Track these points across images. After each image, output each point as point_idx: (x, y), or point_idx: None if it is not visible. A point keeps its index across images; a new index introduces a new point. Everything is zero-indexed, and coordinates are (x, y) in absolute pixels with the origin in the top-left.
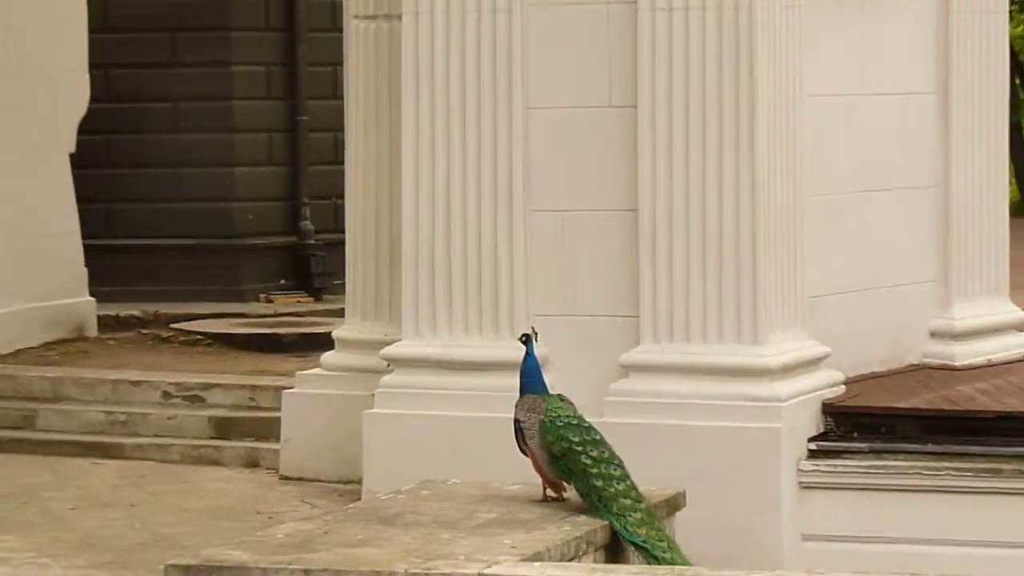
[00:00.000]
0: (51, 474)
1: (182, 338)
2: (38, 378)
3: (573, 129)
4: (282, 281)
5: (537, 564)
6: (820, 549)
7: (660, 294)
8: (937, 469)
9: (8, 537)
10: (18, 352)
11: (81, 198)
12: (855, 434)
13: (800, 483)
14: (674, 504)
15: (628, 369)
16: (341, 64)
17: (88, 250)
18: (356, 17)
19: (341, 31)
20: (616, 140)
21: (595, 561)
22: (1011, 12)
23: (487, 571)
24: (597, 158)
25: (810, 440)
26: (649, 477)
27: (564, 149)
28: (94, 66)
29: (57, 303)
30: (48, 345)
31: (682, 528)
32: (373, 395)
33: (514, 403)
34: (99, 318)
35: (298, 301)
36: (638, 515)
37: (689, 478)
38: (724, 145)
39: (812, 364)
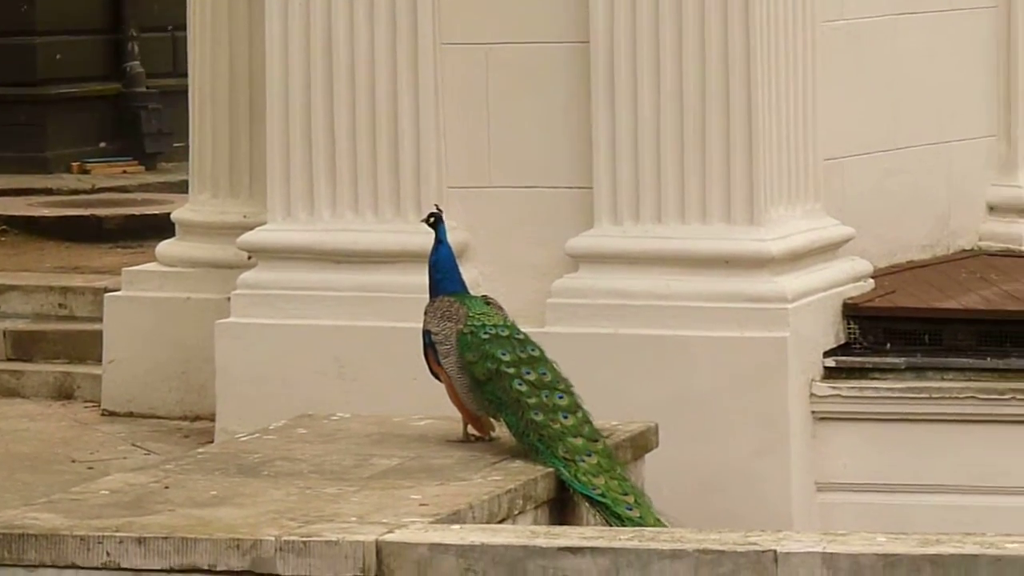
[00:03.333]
0: None
1: None
2: None
3: None
4: (102, 144)
5: (456, 527)
6: (840, 502)
7: (621, 157)
8: (998, 392)
9: None
10: None
11: None
12: (888, 345)
13: (813, 413)
14: (642, 444)
15: (578, 260)
16: None
17: None
18: None
19: None
20: None
21: (536, 521)
22: None
23: (388, 537)
24: None
25: (827, 354)
26: (610, 408)
27: None
28: None
29: None
30: None
31: (653, 476)
32: (228, 299)
33: (422, 308)
34: None
35: (124, 171)
36: (593, 459)
37: (664, 408)
38: None
39: (829, 250)
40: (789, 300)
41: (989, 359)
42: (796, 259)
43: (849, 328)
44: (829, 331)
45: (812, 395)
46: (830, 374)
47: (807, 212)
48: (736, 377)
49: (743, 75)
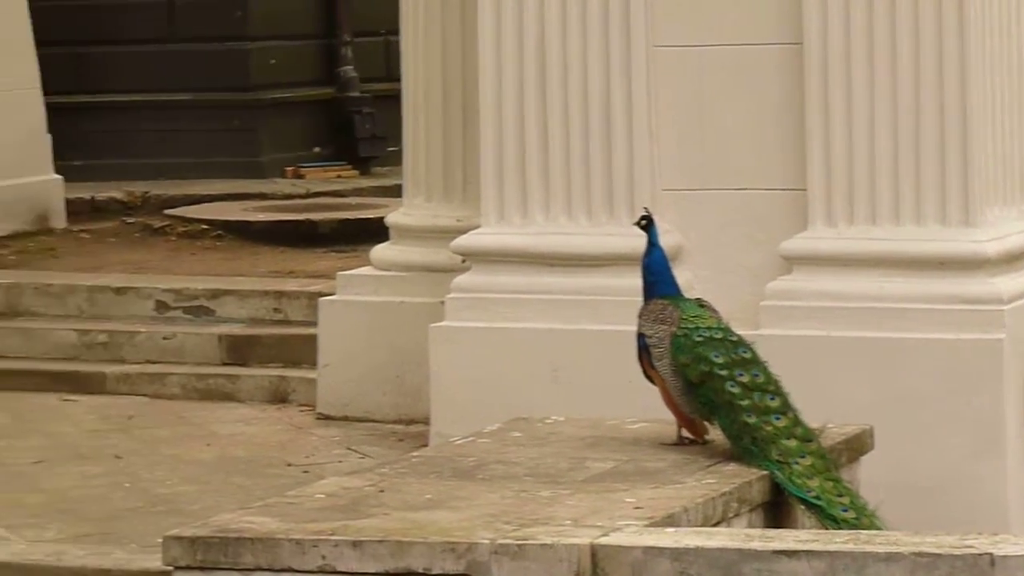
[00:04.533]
0: (6, 415)
1: (181, 228)
2: None
3: None
4: (316, 149)
5: (671, 530)
6: None
7: (835, 157)
8: None
9: None
10: None
11: (42, 39)
12: None
13: None
14: (857, 447)
15: (792, 262)
16: None
17: (52, 110)
18: None
19: None
20: None
21: (750, 524)
22: None
23: (603, 540)
24: None
25: None
26: (822, 410)
27: None
28: None
29: (9, 183)
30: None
31: (869, 478)
32: (443, 302)
33: (636, 311)
34: (68, 202)
35: (338, 175)
36: (807, 461)
37: (878, 411)
38: None
39: None
40: (1005, 301)
41: None
42: (1012, 260)
43: None
44: None
45: None
46: None
47: (1022, 212)
48: (951, 379)
49: (958, 75)
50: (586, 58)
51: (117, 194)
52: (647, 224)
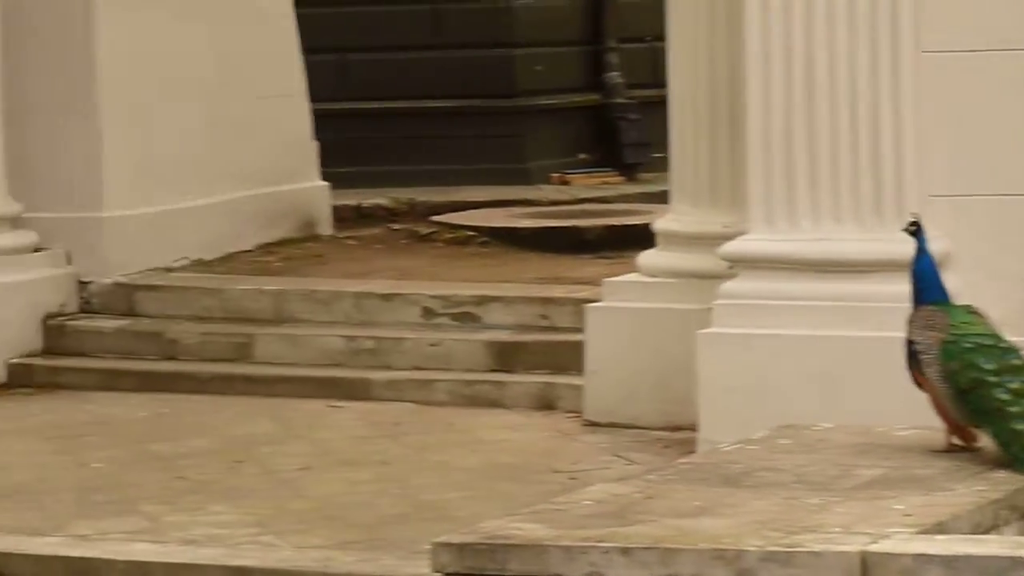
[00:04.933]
0: (274, 422)
1: (447, 235)
2: (254, 292)
3: None
4: (582, 156)
5: (940, 538)
6: None
7: None
8: None
9: (221, 507)
10: (227, 257)
11: (308, 46)
12: None
13: None
14: None
15: None
16: None
17: (318, 117)
18: None
19: None
20: None
21: (1021, 532)
22: None
23: (873, 547)
24: None
25: None
26: None
27: None
28: None
29: (277, 190)
30: (267, 247)
31: None
32: (710, 309)
33: (905, 318)
34: (334, 209)
35: (604, 182)
36: None
37: None
38: None
39: None
40: None
41: None
42: None
43: None
44: None
45: None
46: None
47: None
48: None
49: None
50: (854, 63)
51: (383, 201)
52: (916, 230)
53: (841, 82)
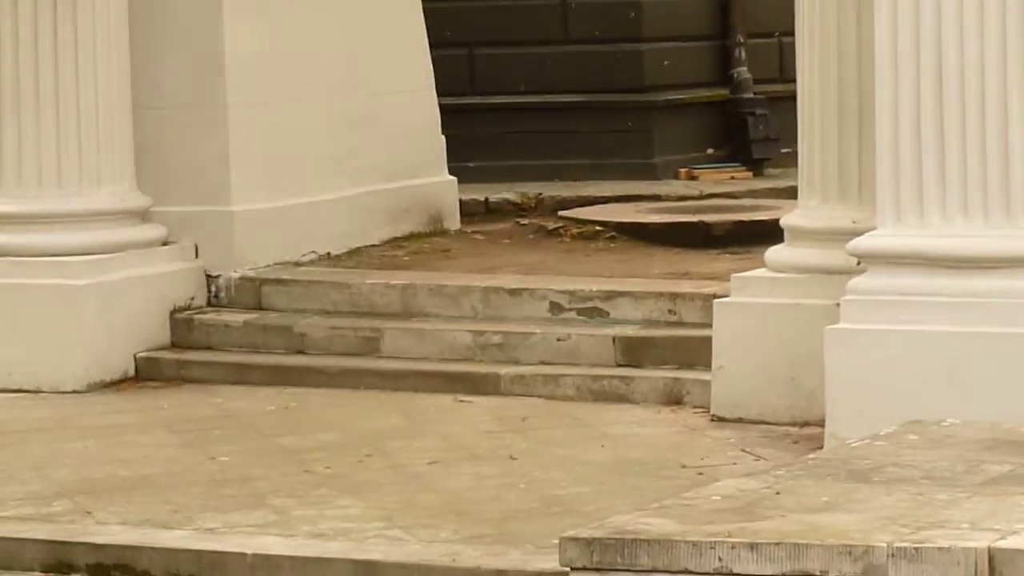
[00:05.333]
0: (402, 416)
1: (575, 230)
2: (382, 287)
3: None
4: (710, 151)
5: None
6: None
7: None
8: None
9: (348, 501)
10: (354, 252)
11: (436, 40)
12: None
13: None
14: None
15: None
16: None
17: (445, 112)
18: None
19: None
20: None
21: None
22: None
23: (1001, 543)
24: None
25: None
26: None
27: None
28: None
29: (404, 184)
30: (394, 242)
31: None
32: (838, 304)
33: None
34: (462, 204)
35: (732, 177)
36: None
37: None
38: None
39: None
40: None
41: None
42: None
43: None
44: None
45: None
46: None
47: None
48: None
49: None
50: (983, 58)
51: (510, 195)
52: None
53: (971, 77)
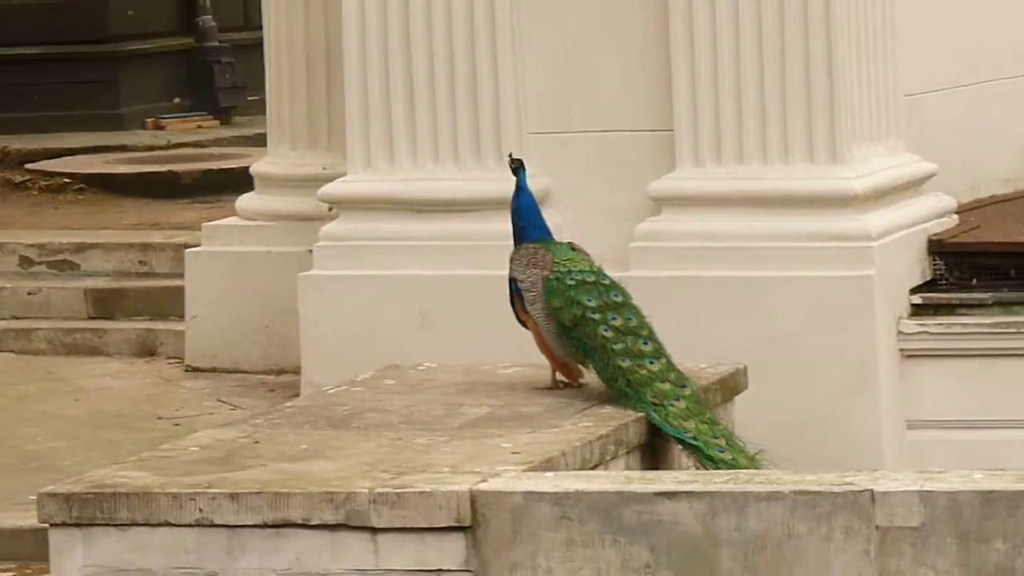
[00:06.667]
0: None
1: (42, 183)
2: None
3: None
4: (176, 99)
5: (550, 475)
6: (931, 439)
7: (701, 97)
8: None
9: None
10: None
11: None
12: (974, 280)
13: (901, 350)
14: (731, 386)
15: (660, 203)
16: None
17: None
18: None
19: None
20: None
21: (628, 467)
22: None
23: (482, 486)
24: None
25: (913, 291)
26: (696, 350)
27: None
28: None
29: None
30: None
31: (744, 418)
32: (310, 251)
33: (506, 256)
34: None
35: (199, 126)
36: (682, 403)
37: (750, 350)
38: None
39: (913, 187)
40: (874, 238)
41: None
42: (880, 197)
43: (935, 264)
44: (915, 268)
45: (899, 333)
46: (917, 311)
47: (889, 149)
48: (822, 317)
49: (822, 12)
50: (451, 2)
51: None
52: (518, 167)
53: (438, 21)
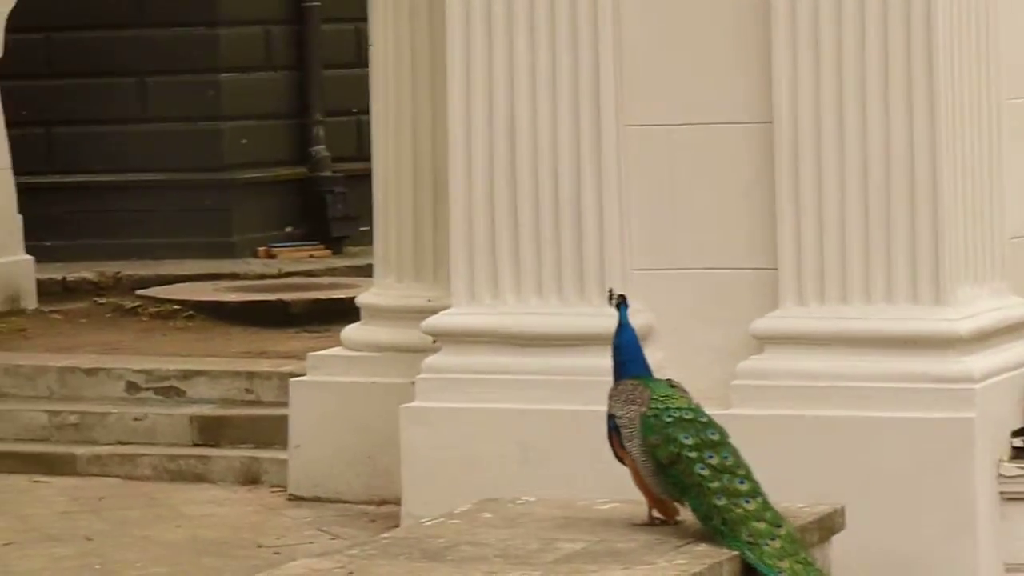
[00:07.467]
0: None
1: (152, 309)
2: None
3: (683, 9)
4: (288, 229)
5: None
6: None
7: (806, 238)
8: None
9: None
10: None
11: (12, 120)
12: None
13: (1002, 493)
14: (828, 526)
15: (763, 341)
16: None
17: (23, 191)
18: None
19: None
20: (745, 25)
21: None
22: None
23: None
24: (718, 50)
25: (1014, 434)
26: (793, 489)
27: (671, 39)
28: None
29: None
30: None
31: (841, 558)
32: (413, 383)
33: (607, 392)
34: (39, 283)
35: (310, 255)
36: (777, 543)
37: (849, 490)
38: (890, 31)
39: (1016, 329)
40: (976, 380)
41: None
42: (983, 338)
43: None
44: (1016, 410)
45: (999, 476)
46: (1017, 454)
47: (993, 291)
48: (923, 459)
49: (928, 154)
50: (556, 137)
51: (88, 274)
52: (620, 303)
53: (543, 156)
